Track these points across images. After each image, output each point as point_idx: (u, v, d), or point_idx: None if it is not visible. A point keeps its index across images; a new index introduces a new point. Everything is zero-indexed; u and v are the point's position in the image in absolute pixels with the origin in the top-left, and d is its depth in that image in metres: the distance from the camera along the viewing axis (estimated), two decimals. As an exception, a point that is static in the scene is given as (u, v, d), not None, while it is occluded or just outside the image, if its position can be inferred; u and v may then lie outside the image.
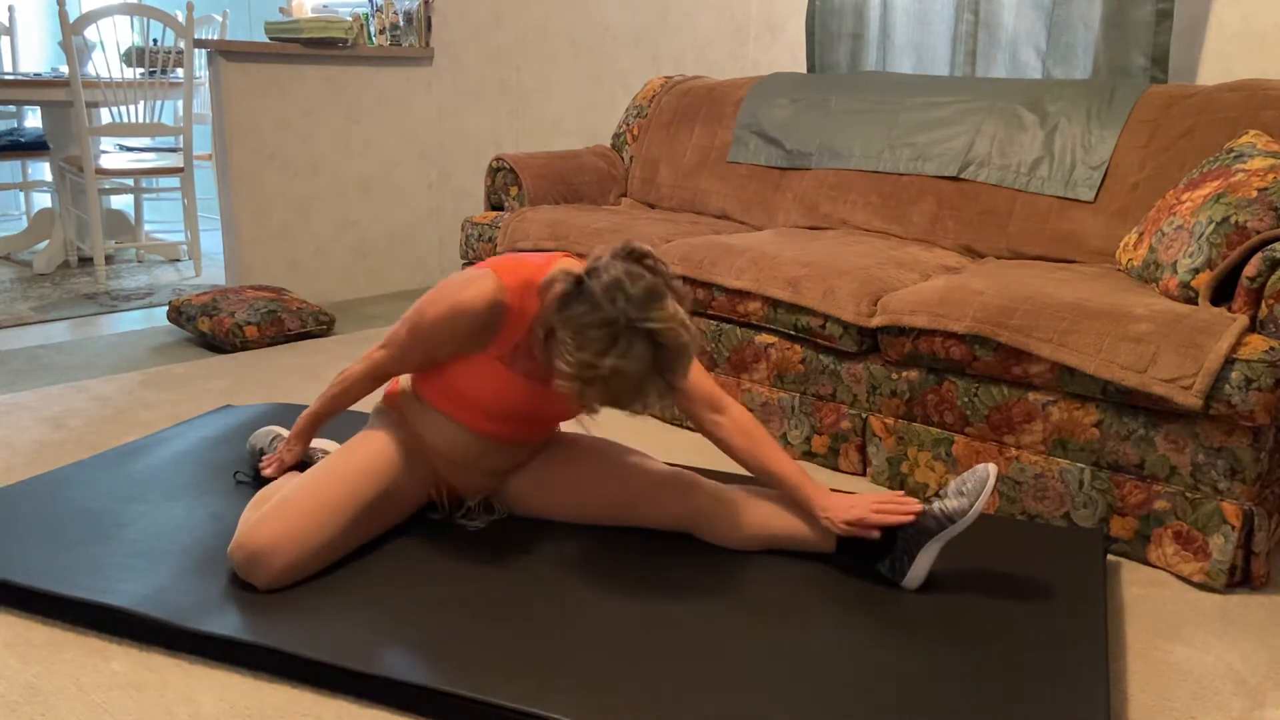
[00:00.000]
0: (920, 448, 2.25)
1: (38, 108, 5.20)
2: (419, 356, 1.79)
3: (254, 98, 3.89)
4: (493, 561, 1.82)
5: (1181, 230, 2.12)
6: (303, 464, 2.08)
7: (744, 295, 2.51)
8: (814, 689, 1.46)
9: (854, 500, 1.77)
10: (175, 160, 4.67)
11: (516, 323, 1.73)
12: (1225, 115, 2.42)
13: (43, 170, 6.35)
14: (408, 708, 1.47)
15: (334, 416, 2.07)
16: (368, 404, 2.79)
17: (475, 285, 1.69)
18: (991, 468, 1.68)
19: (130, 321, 3.80)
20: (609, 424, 2.74)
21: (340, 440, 2.30)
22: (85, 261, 4.85)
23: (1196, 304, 2.01)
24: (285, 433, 2.17)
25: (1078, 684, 1.47)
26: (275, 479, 2.09)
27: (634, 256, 1.59)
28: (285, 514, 1.70)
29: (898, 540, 1.73)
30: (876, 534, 1.75)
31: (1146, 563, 1.98)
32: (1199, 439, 1.88)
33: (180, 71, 4.61)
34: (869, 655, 1.55)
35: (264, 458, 2.13)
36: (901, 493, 1.81)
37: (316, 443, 2.16)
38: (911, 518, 1.72)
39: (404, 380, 1.94)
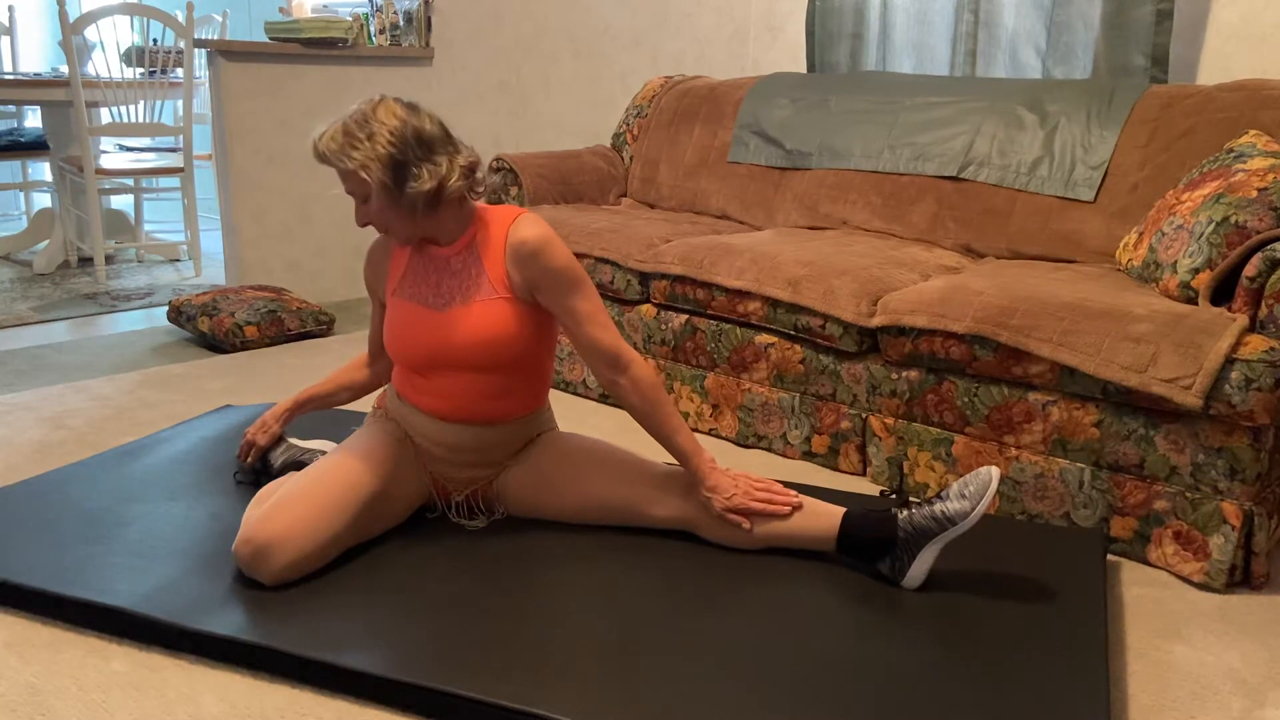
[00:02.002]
0: (920, 448, 2.25)
1: (38, 108, 5.20)
2: (373, 309, 2.06)
3: (254, 98, 3.89)
4: (492, 561, 1.82)
5: (1181, 230, 2.12)
6: (299, 464, 2.08)
7: (744, 295, 2.51)
8: (814, 689, 1.46)
9: (737, 485, 1.81)
10: (175, 160, 4.67)
11: (401, 254, 1.93)
12: (1225, 115, 2.42)
13: (43, 170, 6.35)
14: (408, 708, 1.47)
15: (327, 394, 2.10)
16: (366, 405, 2.79)
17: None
18: (994, 471, 1.68)
19: (130, 321, 3.80)
20: (609, 425, 2.75)
21: (338, 442, 2.30)
22: (85, 261, 4.85)
23: (1196, 304, 2.01)
24: (286, 436, 2.17)
25: (1078, 684, 1.47)
26: (253, 466, 2.12)
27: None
28: (290, 509, 1.71)
29: (898, 540, 1.73)
30: (748, 524, 1.80)
31: (1146, 563, 1.98)
32: (1199, 439, 1.88)
33: (180, 71, 4.61)
34: (869, 655, 1.55)
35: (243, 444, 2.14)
36: (779, 484, 1.85)
37: (314, 443, 2.16)
38: (788, 510, 1.79)
39: (389, 383, 1.99)
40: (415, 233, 1.82)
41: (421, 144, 1.74)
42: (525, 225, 1.82)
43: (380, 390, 2.01)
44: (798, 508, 1.81)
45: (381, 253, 1.96)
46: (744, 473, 1.85)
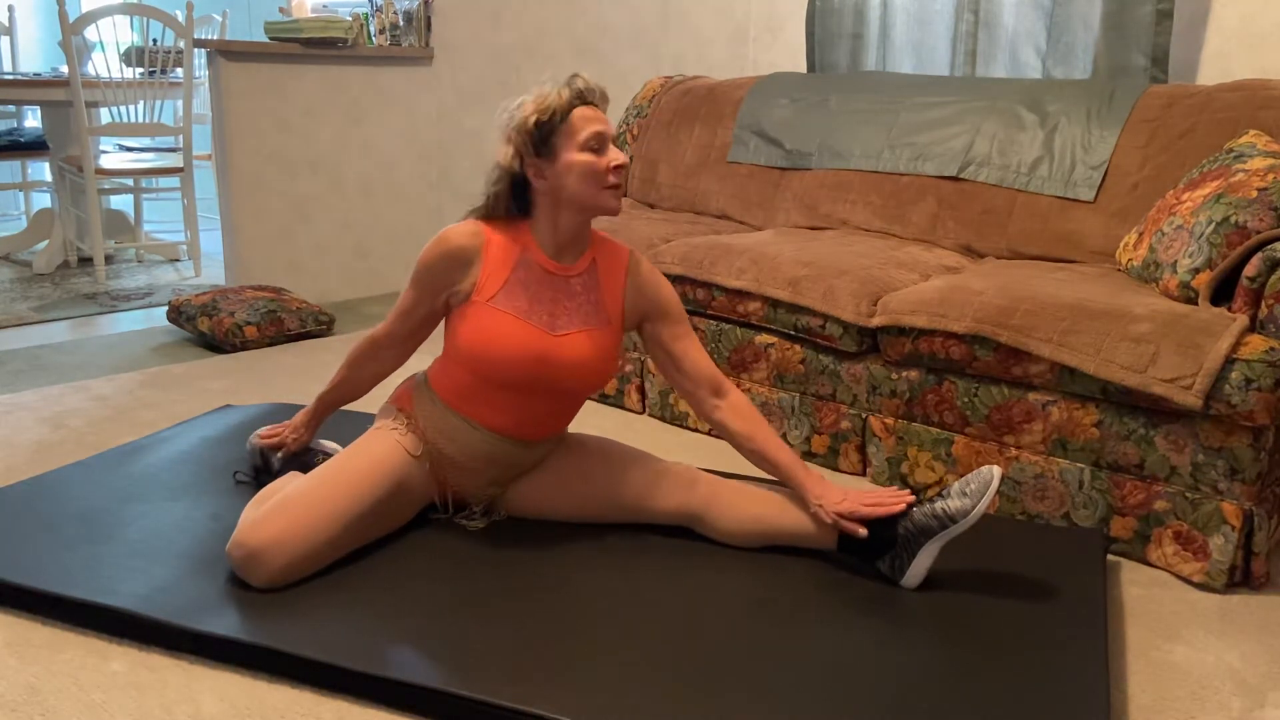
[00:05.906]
0: (920, 448, 2.25)
1: (38, 108, 5.20)
2: (416, 306, 1.86)
3: (254, 98, 3.89)
4: (493, 561, 1.82)
5: (1181, 230, 2.12)
6: (305, 465, 2.08)
7: (744, 295, 2.51)
8: (814, 688, 1.46)
9: (847, 493, 1.80)
10: (175, 160, 4.67)
11: (498, 258, 1.82)
12: (1225, 115, 2.42)
13: (43, 170, 6.34)
14: (408, 708, 1.47)
15: (342, 397, 2.02)
16: (371, 405, 2.79)
17: (460, 224, 1.85)
18: (996, 470, 1.68)
19: (130, 321, 3.80)
20: (609, 425, 2.74)
21: (344, 443, 2.29)
22: (85, 261, 4.85)
23: (1196, 304, 2.01)
24: None
25: (1078, 684, 1.47)
26: (254, 465, 2.11)
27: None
28: (285, 513, 1.70)
29: (898, 539, 1.73)
30: (863, 531, 1.76)
31: (1146, 563, 1.98)
32: (1199, 439, 1.88)
33: (180, 71, 4.61)
34: (869, 655, 1.55)
35: (266, 429, 2.10)
36: (895, 488, 1.82)
37: (320, 444, 2.15)
38: (902, 506, 1.74)
39: (419, 379, 1.92)
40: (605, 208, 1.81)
41: None
42: (642, 259, 1.93)
43: (400, 391, 1.96)
44: (911, 503, 1.76)
45: (472, 250, 1.81)
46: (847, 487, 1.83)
